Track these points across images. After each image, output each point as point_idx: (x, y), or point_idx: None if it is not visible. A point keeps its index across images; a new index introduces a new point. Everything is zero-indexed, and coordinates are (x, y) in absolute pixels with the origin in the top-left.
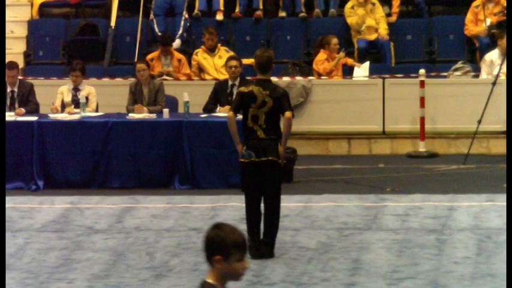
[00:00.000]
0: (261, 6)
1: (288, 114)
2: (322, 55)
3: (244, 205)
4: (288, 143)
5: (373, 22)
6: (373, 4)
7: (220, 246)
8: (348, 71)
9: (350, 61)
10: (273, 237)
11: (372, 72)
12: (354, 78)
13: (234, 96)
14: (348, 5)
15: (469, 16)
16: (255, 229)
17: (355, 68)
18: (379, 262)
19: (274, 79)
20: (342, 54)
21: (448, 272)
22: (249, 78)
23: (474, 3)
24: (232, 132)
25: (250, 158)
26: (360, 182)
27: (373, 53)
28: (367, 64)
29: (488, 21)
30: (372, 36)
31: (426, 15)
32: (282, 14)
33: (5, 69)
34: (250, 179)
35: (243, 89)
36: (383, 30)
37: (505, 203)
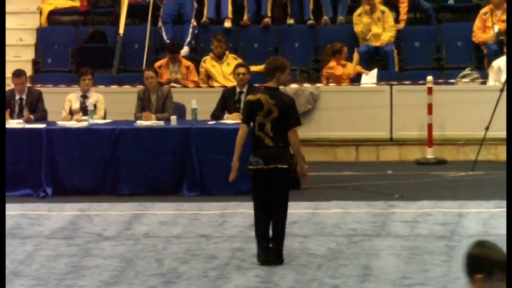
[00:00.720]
0: (269, 14)
1: (291, 134)
2: (333, 63)
3: (253, 212)
4: None
5: (379, 30)
6: (383, 12)
7: (485, 264)
8: (356, 78)
9: (358, 68)
10: (280, 244)
11: (380, 79)
12: (361, 85)
13: (242, 104)
14: (356, 13)
15: (477, 23)
16: (263, 236)
17: (363, 75)
18: (388, 269)
19: (283, 87)
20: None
21: (458, 278)
22: (257, 85)
23: (482, 10)
24: (238, 144)
25: (257, 166)
26: (368, 188)
27: (378, 59)
28: (375, 71)
29: (496, 28)
30: (377, 43)
31: (434, 22)
32: (290, 21)
33: (13, 78)
34: (259, 186)
35: (251, 97)
36: (386, 37)
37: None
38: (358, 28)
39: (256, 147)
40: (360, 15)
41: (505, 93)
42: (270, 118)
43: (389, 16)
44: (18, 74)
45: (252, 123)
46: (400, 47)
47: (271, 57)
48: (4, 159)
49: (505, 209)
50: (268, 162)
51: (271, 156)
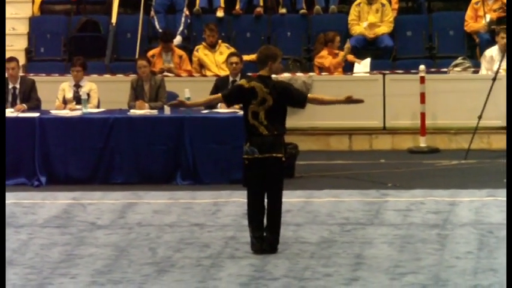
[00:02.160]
0: (261, 3)
1: (311, 101)
2: (325, 52)
3: (246, 200)
4: (288, 139)
5: (376, 20)
6: (383, 5)
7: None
8: (349, 67)
9: (351, 57)
10: (277, 233)
11: (373, 68)
12: (354, 74)
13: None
14: (355, 2)
15: (469, 12)
16: (257, 224)
17: (356, 64)
18: (381, 257)
19: (275, 75)
20: (348, 45)
21: (450, 266)
22: (250, 74)
23: (474, 0)
24: (205, 99)
25: (253, 155)
26: (361, 177)
27: (371, 50)
28: (368, 60)
29: (488, 17)
30: (371, 33)
31: (426, 11)
32: (283, 10)
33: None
34: (254, 175)
35: (243, 82)
36: (382, 30)
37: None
38: (352, 16)
39: (250, 136)
40: (359, 4)
41: (497, 82)
42: (265, 106)
43: (389, 10)
44: (10, 59)
45: (243, 111)
46: (392, 36)
47: (263, 46)
48: (4, 152)
49: (498, 198)
50: (264, 151)
51: (267, 145)
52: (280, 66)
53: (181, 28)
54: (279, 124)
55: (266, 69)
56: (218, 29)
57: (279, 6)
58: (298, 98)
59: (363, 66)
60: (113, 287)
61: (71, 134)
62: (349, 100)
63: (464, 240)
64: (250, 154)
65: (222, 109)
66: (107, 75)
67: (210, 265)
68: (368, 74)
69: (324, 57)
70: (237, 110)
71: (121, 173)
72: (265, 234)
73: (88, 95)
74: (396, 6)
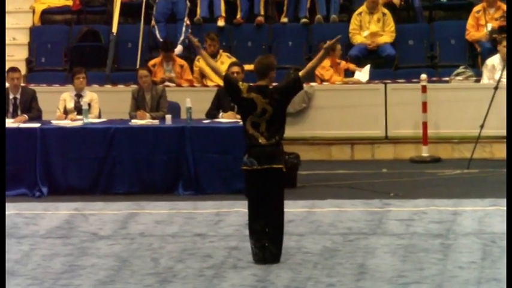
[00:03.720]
0: (262, 12)
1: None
2: (326, 62)
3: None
4: (290, 149)
5: (377, 29)
6: (384, 14)
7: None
8: (350, 76)
9: (352, 66)
10: (279, 244)
11: (374, 77)
12: (355, 84)
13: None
14: (356, 12)
15: (470, 21)
16: (258, 235)
17: (356, 72)
18: (384, 267)
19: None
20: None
21: (453, 276)
22: (251, 84)
23: (475, 8)
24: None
25: (252, 166)
26: (363, 187)
27: (372, 59)
28: (367, 67)
29: (490, 26)
30: (372, 43)
31: (425, 21)
32: (284, 19)
33: (9, 73)
34: (253, 187)
35: (243, 88)
36: (384, 39)
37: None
38: (354, 26)
39: (249, 146)
40: (360, 13)
41: (499, 91)
42: (265, 117)
43: (391, 20)
44: (14, 69)
45: (242, 121)
46: (393, 45)
47: (261, 56)
48: (4, 161)
49: (501, 208)
50: (262, 163)
51: (266, 156)
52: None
53: (182, 37)
54: (278, 129)
55: (266, 80)
56: (219, 38)
57: (281, 15)
58: (294, 87)
59: (363, 74)
60: None
61: (72, 144)
62: (327, 47)
63: (467, 250)
64: (249, 166)
65: (223, 119)
66: (108, 85)
67: (212, 275)
68: (370, 84)
69: (325, 69)
70: (238, 120)
71: (122, 183)
72: (267, 244)
73: (89, 105)
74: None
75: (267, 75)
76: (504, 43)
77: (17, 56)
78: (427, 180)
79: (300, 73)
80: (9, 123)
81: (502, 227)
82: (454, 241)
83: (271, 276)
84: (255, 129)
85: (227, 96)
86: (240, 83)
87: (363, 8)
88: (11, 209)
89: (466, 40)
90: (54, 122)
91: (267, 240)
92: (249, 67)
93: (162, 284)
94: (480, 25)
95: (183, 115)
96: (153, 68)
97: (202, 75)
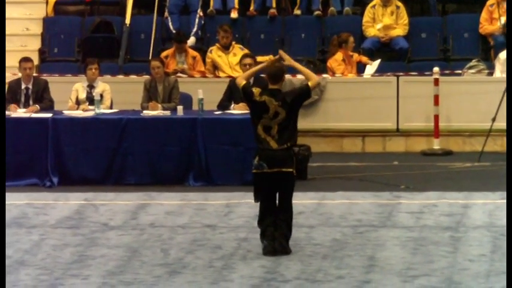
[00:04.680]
0: (274, 5)
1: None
2: (339, 55)
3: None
4: (301, 141)
5: (391, 22)
6: (398, 7)
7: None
8: (362, 69)
9: (364, 59)
10: (287, 241)
11: (387, 70)
12: (368, 76)
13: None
14: (370, 5)
15: (484, 14)
16: (268, 228)
17: (367, 66)
18: (394, 259)
19: (288, 77)
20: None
21: (463, 269)
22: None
23: (489, 2)
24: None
25: (262, 169)
26: (374, 179)
27: (385, 51)
28: (377, 62)
29: (503, 19)
30: (385, 36)
31: (438, 14)
32: (297, 12)
33: (21, 62)
34: (263, 190)
35: (256, 93)
36: (397, 32)
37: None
38: (367, 18)
39: (260, 150)
40: (373, 6)
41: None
42: (277, 120)
43: (404, 13)
44: (26, 59)
45: (252, 125)
46: (407, 38)
47: (274, 61)
48: (4, 156)
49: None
50: (273, 166)
51: (276, 160)
52: None
53: (195, 29)
54: (291, 135)
55: (280, 83)
56: (232, 30)
57: (294, 8)
58: (304, 94)
59: (372, 67)
60: None
61: (83, 135)
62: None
63: (477, 243)
64: (260, 169)
65: (235, 110)
66: (120, 76)
67: (222, 267)
68: (382, 76)
69: (338, 63)
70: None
71: (133, 174)
72: (276, 237)
73: (101, 95)
74: None
75: (282, 79)
76: None
77: (30, 46)
78: (438, 173)
79: (310, 83)
80: (21, 113)
81: None
82: (464, 234)
83: (280, 267)
84: (267, 133)
85: (239, 88)
86: (254, 88)
87: (376, 1)
88: (22, 199)
89: (479, 33)
90: (66, 113)
91: (276, 233)
92: (261, 59)
93: (172, 275)
94: (493, 19)
95: (195, 106)
96: (166, 59)
97: (215, 67)
